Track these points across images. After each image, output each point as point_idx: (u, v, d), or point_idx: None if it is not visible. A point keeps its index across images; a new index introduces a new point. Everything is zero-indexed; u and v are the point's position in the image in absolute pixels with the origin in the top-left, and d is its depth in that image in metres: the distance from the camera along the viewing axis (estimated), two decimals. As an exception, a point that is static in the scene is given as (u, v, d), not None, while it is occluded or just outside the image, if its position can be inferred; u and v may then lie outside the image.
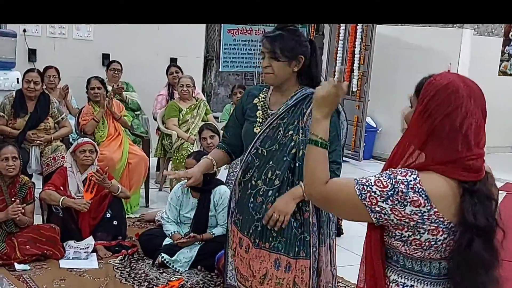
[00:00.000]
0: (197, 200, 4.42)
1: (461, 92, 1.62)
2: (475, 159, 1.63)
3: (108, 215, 4.53)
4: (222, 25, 9.46)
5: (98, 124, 5.59)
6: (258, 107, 2.78)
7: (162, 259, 4.21)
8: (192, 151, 5.24)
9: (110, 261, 4.29)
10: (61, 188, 4.50)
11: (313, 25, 9.22)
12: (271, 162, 2.68)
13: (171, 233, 4.36)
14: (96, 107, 5.67)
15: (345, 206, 1.71)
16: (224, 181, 4.64)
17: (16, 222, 4.16)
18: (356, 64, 8.41)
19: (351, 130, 8.47)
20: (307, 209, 2.70)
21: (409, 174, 1.62)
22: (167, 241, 4.35)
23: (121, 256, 4.35)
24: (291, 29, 2.70)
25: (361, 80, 8.40)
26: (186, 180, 2.85)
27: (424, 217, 1.61)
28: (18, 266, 4.03)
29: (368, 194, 1.63)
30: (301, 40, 2.68)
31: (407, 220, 1.62)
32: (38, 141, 5.23)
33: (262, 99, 2.80)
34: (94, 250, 4.36)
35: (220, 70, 9.75)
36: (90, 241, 4.40)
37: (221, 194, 4.32)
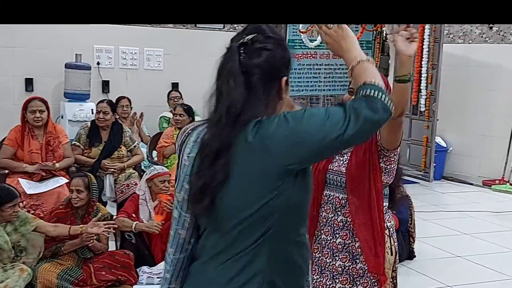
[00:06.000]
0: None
1: None
2: None
3: (180, 240, 4.58)
4: (286, 50, 9.52)
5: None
6: None
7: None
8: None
9: (182, 286, 4.35)
10: (133, 215, 4.58)
11: (377, 46, 9.14)
12: None
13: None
14: (177, 131, 5.79)
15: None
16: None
17: (91, 248, 4.29)
18: (423, 84, 8.27)
19: (420, 150, 8.31)
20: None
21: None
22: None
23: (193, 281, 4.38)
24: None
25: (429, 99, 8.25)
26: None
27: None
28: (93, 292, 4.13)
29: None
30: None
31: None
32: (112, 169, 5.42)
33: None
34: (167, 276, 4.42)
35: (286, 94, 9.80)
36: (163, 266, 4.45)
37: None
